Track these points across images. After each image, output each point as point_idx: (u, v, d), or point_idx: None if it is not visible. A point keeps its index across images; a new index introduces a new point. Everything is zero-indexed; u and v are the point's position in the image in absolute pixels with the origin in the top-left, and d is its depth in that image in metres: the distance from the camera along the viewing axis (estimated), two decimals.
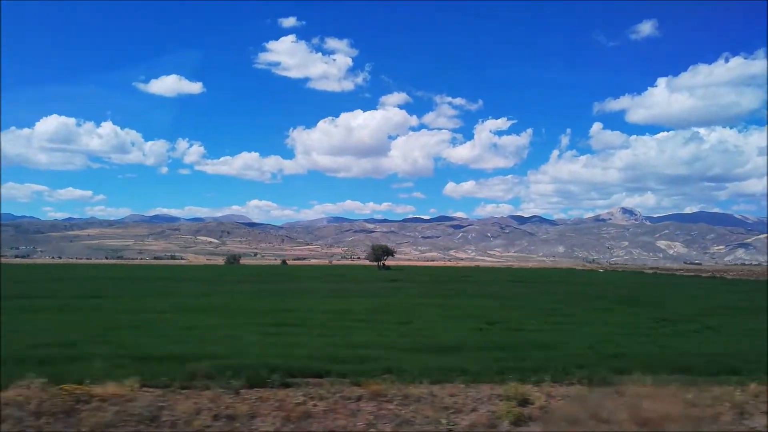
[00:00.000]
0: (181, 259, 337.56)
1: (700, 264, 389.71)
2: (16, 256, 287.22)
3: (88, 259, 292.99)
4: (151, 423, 7.60)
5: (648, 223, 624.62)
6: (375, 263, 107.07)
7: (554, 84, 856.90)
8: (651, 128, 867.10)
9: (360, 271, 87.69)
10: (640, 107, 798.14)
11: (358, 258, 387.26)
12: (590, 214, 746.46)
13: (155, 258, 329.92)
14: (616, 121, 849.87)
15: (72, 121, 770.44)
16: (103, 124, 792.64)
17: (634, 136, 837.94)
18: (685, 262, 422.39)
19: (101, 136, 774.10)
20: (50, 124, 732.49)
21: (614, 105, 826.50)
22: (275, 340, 15.04)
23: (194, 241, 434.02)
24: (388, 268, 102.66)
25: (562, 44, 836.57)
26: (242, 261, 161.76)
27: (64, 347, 12.85)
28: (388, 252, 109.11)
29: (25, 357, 11.26)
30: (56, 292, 34.27)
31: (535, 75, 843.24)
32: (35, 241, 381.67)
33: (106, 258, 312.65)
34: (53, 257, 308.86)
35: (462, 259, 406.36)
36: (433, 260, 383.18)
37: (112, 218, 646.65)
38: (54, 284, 44.71)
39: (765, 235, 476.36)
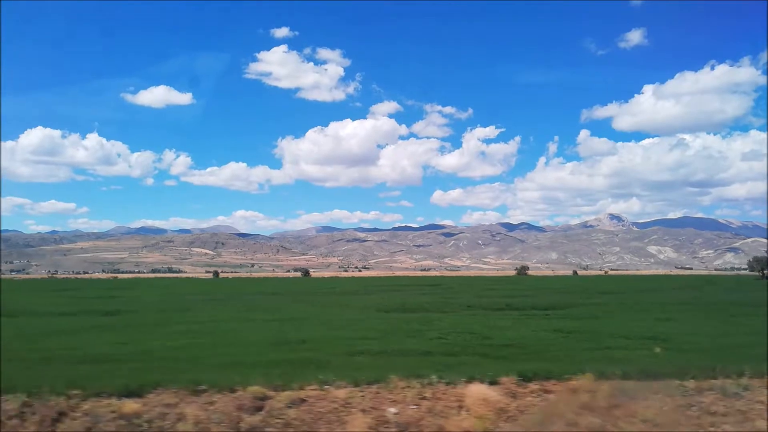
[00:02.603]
0: (179, 272, 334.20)
1: (691, 268, 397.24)
2: (12, 271, 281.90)
3: (86, 273, 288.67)
4: None
5: (635, 228, 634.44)
6: (758, 273, 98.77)
7: (543, 92, 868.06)
8: (637, 135, 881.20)
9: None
10: (626, 114, 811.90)
11: (357, 268, 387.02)
12: (576, 221, 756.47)
13: (153, 271, 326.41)
14: (603, 129, 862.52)
15: (57, 133, 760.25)
16: (88, 135, 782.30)
17: (620, 143, 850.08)
18: (676, 267, 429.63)
19: (87, 148, 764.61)
20: (35, 136, 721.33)
21: (602, 112, 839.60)
22: None
23: (189, 252, 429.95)
24: None
25: (553, 52, 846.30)
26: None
27: None
28: None
29: None
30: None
31: (525, 83, 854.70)
32: (27, 255, 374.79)
33: (103, 271, 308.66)
34: (49, 271, 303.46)
35: (459, 268, 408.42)
36: (428, 269, 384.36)
37: (96, 230, 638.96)
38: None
39: (752, 239, 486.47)
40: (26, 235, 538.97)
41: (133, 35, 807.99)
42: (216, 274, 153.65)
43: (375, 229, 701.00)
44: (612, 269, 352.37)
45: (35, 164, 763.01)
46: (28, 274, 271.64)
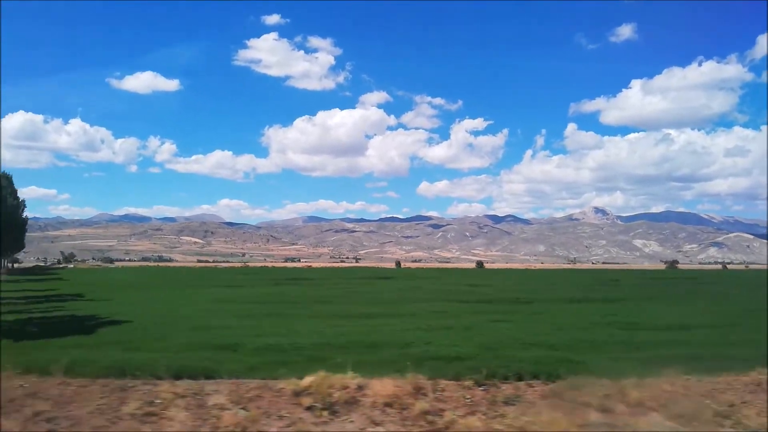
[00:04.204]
0: (170, 260, 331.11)
1: (677, 262, 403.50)
2: None
3: (76, 260, 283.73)
4: None
5: (620, 222, 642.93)
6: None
7: (533, 85, 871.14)
8: (623, 129, 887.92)
9: None
10: (614, 109, 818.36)
11: (347, 258, 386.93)
12: (560, 214, 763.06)
13: (143, 259, 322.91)
14: (590, 122, 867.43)
15: (39, 118, 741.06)
16: (71, 121, 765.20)
17: (606, 137, 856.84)
18: (661, 261, 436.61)
19: (69, 133, 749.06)
20: (16, 120, 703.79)
21: (589, 106, 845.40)
22: None
23: (178, 241, 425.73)
24: None
25: (545, 46, 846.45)
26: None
27: None
28: None
29: None
30: None
31: (515, 76, 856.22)
32: None
33: (93, 259, 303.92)
34: (38, 258, 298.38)
35: (449, 259, 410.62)
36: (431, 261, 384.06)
37: (78, 217, 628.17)
38: None
39: (734, 233, 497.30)
40: None
41: (121, 22, 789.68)
42: (480, 264, 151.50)
43: (362, 220, 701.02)
44: (604, 262, 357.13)
45: (16, 149, 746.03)
46: (19, 262, 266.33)
